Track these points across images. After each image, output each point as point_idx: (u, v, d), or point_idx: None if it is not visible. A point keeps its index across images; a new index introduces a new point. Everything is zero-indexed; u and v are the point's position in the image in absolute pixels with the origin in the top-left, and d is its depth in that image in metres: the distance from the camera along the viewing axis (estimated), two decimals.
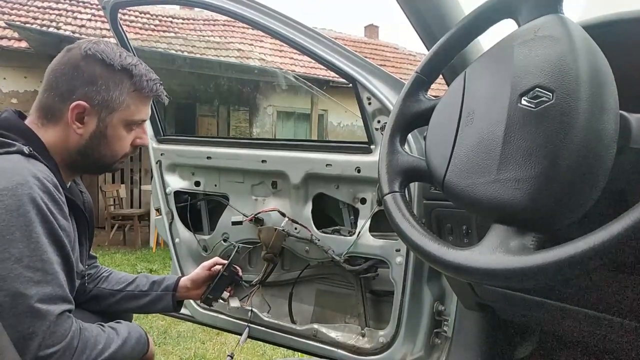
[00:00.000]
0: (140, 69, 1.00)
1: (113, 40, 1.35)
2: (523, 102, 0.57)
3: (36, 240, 0.83)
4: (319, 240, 1.42)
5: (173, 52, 7.52)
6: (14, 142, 0.89)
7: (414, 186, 1.19)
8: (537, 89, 0.56)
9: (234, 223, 1.55)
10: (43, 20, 7.39)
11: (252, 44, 9.20)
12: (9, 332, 0.78)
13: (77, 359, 0.87)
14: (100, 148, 1.00)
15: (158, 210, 1.71)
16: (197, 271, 1.35)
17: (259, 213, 1.51)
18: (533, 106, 0.55)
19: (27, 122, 0.98)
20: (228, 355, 1.54)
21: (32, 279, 0.82)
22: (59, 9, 8.03)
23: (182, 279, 1.33)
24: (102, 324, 1.02)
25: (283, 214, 1.47)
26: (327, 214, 1.51)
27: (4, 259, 0.80)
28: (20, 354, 0.79)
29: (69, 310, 0.88)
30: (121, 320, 1.09)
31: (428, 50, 0.84)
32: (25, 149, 0.88)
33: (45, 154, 0.93)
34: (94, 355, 0.91)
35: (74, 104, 0.94)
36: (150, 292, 1.28)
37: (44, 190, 0.86)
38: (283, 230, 1.45)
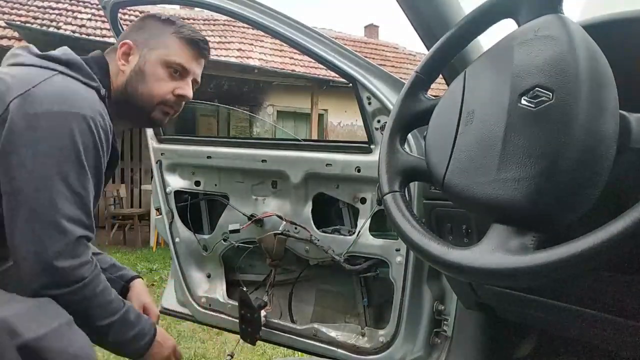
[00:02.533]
0: (184, 24, 1.15)
1: (113, 40, 1.35)
2: (523, 101, 0.56)
3: (84, 169, 0.94)
4: (318, 240, 1.42)
5: None
6: (96, 81, 1.03)
7: (414, 186, 1.19)
8: (537, 88, 0.55)
9: (231, 232, 1.55)
10: (43, 20, 7.38)
11: (252, 44, 9.20)
12: (29, 232, 0.88)
13: (92, 283, 0.95)
14: (139, 85, 1.09)
15: (158, 209, 1.71)
16: (150, 308, 1.30)
17: (255, 220, 1.50)
18: (533, 106, 0.55)
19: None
20: (228, 355, 1.54)
21: (69, 199, 0.91)
22: (59, 9, 8.03)
23: (137, 285, 1.31)
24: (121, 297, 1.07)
25: (280, 217, 1.47)
26: (327, 213, 1.51)
27: (53, 175, 0.90)
28: (35, 259, 0.89)
29: (88, 239, 0.97)
30: (142, 315, 1.12)
31: (428, 50, 0.84)
32: (102, 91, 1.03)
33: (110, 101, 1.07)
34: (99, 300, 0.98)
35: (122, 41, 1.11)
36: (104, 272, 1.26)
37: (104, 129, 0.98)
38: (282, 234, 1.45)
